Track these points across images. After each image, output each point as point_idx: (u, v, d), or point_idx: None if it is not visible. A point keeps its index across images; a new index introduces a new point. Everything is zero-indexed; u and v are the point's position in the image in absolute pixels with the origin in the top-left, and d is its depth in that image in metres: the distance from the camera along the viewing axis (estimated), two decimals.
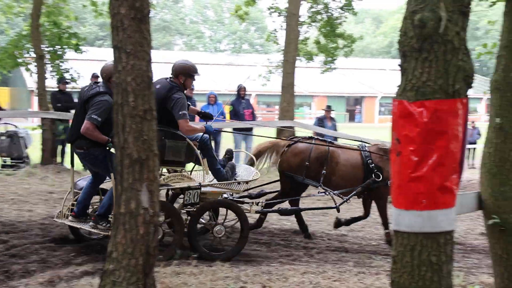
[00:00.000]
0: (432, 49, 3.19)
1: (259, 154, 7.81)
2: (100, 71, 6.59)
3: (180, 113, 6.38)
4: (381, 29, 78.77)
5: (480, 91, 30.54)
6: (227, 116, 13.65)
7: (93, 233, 6.61)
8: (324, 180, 7.41)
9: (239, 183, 6.87)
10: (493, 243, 4.18)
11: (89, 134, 6.25)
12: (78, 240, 6.93)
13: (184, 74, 6.65)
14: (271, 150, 7.80)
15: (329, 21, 18.60)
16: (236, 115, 13.74)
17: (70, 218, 6.75)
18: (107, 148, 6.30)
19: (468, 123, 3.44)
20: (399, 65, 3.33)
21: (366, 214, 7.99)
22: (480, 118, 40.76)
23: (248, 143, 14.11)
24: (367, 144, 7.90)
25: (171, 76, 6.70)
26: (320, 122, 14.93)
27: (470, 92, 3.39)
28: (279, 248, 7.38)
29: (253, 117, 14.20)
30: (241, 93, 14.10)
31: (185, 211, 6.81)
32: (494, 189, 4.08)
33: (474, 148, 19.47)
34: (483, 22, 51.83)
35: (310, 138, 7.90)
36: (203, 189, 6.60)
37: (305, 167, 7.44)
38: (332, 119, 15.12)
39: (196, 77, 6.76)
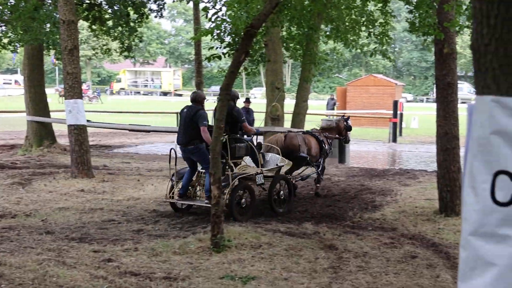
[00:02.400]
0: None
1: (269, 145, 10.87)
2: (196, 97, 9.72)
3: (243, 118, 9.86)
4: None
5: None
6: None
7: (205, 207, 9.47)
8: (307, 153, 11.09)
9: (273, 168, 10.31)
10: None
11: (205, 136, 9.28)
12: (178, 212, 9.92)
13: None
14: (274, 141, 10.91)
15: None
16: None
17: (177, 198, 9.78)
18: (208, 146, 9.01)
19: None
20: None
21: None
22: None
23: None
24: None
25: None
26: None
27: None
28: None
29: None
30: None
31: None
32: None
33: None
34: None
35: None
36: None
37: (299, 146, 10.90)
38: None
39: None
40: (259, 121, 18.58)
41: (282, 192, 9.91)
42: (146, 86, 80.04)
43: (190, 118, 9.50)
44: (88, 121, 14.22)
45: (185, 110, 9.67)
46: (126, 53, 20.15)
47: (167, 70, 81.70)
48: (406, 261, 6.94)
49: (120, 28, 18.75)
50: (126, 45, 19.78)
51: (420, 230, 8.50)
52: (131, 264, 6.62)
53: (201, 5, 10.60)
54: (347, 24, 12.49)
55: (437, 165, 9.71)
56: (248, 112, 18.58)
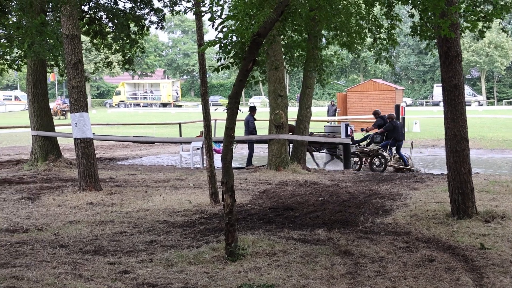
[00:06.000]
0: None
1: None
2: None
3: None
4: None
5: None
6: None
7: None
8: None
9: None
10: None
11: None
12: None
13: None
14: None
15: None
16: None
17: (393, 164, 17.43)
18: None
19: None
20: None
21: None
22: None
23: None
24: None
25: None
26: None
27: None
28: None
29: None
30: None
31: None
32: None
33: None
34: None
35: None
36: None
37: None
38: None
39: None
40: (262, 129, 18.59)
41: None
42: (145, 98, 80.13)
43: (402, 126, 16.56)
44: (93, 134, 14.21)
45: (398, 122, 17.78)
46: (127, 66, 20.19)
47: (165, 82, 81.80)
48: (424, 265, 6.91)
49: (121, 41, 18.79)
50: (127, 57, 19.81)
51: (434, 234, 8.47)
52: (147, 275, 6.60)
53: (205, 15, 10.61)
54: (351, 30, 12.52)
55: (447, 168, 9.68)
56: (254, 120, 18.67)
